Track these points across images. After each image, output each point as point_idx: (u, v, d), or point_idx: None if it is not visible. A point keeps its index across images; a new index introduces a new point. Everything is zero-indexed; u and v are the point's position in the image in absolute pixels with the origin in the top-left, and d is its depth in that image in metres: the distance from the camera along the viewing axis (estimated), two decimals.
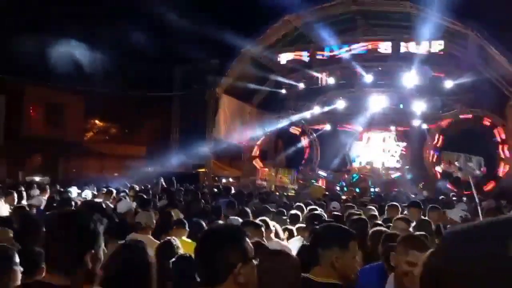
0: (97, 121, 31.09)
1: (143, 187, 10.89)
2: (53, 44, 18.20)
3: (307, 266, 2.40)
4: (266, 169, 22.13)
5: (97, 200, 8.07)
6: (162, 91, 24.56)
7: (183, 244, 4.10)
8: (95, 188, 10.45)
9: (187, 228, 4.78)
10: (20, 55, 17.63)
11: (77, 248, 1.70)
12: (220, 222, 5.39)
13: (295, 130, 23.47)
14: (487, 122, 19.00)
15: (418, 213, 5.86)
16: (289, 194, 16.71)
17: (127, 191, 9.65)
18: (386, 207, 7.03)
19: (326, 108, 22.04)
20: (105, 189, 9.05)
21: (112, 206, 6.82)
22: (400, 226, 4.78)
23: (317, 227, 2.81)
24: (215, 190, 12.95)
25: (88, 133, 30.03)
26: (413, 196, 13.69)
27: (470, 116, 19.35)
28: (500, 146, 18.41)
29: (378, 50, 19.19)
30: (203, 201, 8.54)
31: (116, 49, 21.48)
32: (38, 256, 2.54)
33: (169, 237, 3.99)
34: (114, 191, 8.55)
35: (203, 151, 20.89)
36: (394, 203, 7.33)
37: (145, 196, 7.71)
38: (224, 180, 21.74)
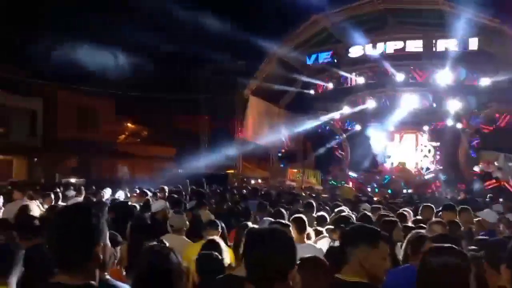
0: (128, 124, 31.77)
1: (173, 188, 11.01)
2: (86, 49, 18.72)
3: (335, 267, 2.40)
4: (295, 170, 22.04)
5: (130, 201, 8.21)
6: (191, 93, 24.86)
7: None
8: (127, 188, 10.65)
9: (219, 229, 4.79)
10: (55, 61, 18.23)
11: (84, 243, 1.67)
12: (249, 223, 5.36)
13: (323, 131, 23.29)
14: None
15: (452, 216, 5.66)
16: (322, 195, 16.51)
17: (151, 192, 9.70)
18: (420, 208, 6.85)
19: (356, 108, 21.73)
20: (137, 191, 9.19)
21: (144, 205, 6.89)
22: (437, 230, 4.63)
23: (347, 227, 2.78)
24: (244, 191, 12.96)
25: (120, 136, 30.71)
26: (448, 197, 13.32)
27: (506, 115, 18.66)
28: None
29: (409, 48, 18.74)
30: (229, 203, 8.55)
31: (146, 53, 21.91)
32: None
33: (212, 237, 4.00)
34: (149, 193, 8.67)
35: (231, 152, 21.00)
36: (429, 204, 7.12)
37: (176, 196, 7.78)
38: (252, 181, 21.77)
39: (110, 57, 19.86)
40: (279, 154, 23.63)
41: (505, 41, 16.48)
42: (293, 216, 4.93)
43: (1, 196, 6.44)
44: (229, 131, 22.08)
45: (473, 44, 17.33)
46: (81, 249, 1.67)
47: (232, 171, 22.19)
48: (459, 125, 19.98)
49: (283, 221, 4.52)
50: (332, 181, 21.60)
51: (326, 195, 15.28)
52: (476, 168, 12.22)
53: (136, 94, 22.59)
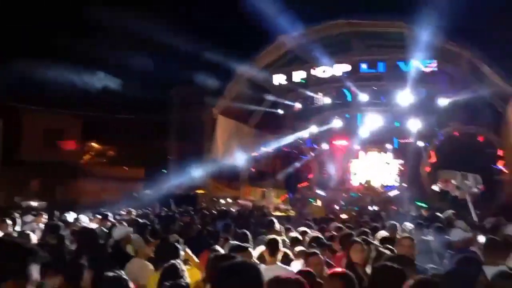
0: (94, 144, 31.04)
1: (140, 211, 10.83)
2: (50, 69, 18.32)
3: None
4: (260, 189, 22.11)
5: (92, 225, 8.03)
6: (160, 112, 24.68)
7: None
8: (90, 212, 10.36)
9: (180, 254, 4.74)
10: (17, 80, 17.76)
11: None
12: (217, 247, 5.36)
13: (292, 150, 23.57)
14: (481, 139, 19.16)
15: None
16: (289, 214, 16.66)
17: (119, 215, 9.50)
18: (388, 225, 7.11)
19: (323, 127, 22.16)
20: (100, 215, 8.95)
21: (106, 231, 6.76)
22: (405, 244, 4.87)
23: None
24: (215, 212, 12.90)
25: (86, 156, 29.96)
26: (413, 214, 13.68)
27: (464, 133, 19.51)
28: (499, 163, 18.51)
29: (374, 69, 19.46)
30: (199, 225, 8.50)
31: (114, 72, 21.67)
32: None
33: (173, 261, 3.97)
34: (111, 215, 8.49)
35: (201, 172, 20.85)
36: (393, 222, 7.37)
37: (141, 221, 7.65)
38: (222, 201, 21.63)
39: (77, 77, 19.52)
40: (248, 174, 23.65)
41: (462, 63, 17.31)
42: (268, 238, 4.99)
43: None
44: (198, 151, 21.95)
45: (433, 65, 18.21)
46: None
47: (202, 191, 22.02)
48: (420, 143, 20.68)
49: (242, 244, 4.65)
50: (311, 199, 21.65)
51: (292, 214, 15.42)
52: (435, 188, 12.66)
53: (102, 114, 22.22)
